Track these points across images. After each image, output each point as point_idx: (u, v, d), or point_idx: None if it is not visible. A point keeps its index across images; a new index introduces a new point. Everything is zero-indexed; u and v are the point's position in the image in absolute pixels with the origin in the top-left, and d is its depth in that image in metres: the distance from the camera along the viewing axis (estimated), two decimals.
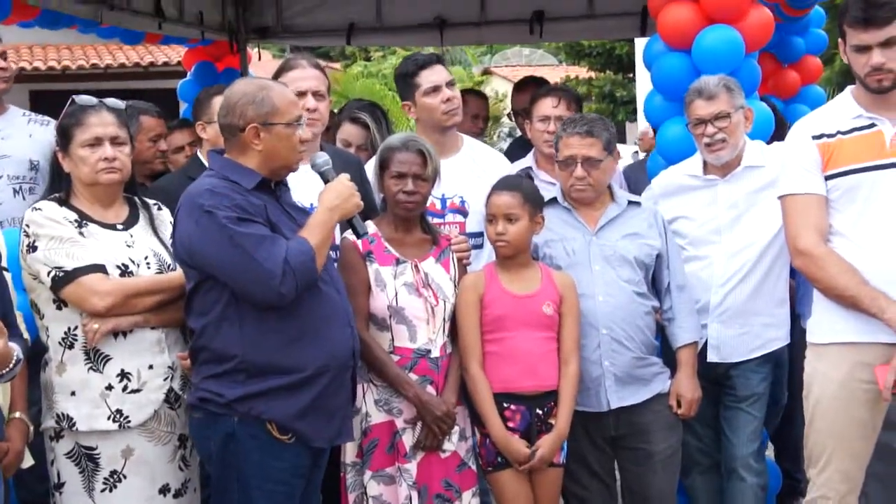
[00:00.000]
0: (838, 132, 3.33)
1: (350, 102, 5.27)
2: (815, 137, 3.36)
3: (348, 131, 4.59)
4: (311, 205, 3.63)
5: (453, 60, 25.67)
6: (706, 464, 4.11)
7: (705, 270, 3.96)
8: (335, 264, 3.30)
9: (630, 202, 3.83)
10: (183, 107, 7.76)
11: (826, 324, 3.33)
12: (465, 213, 3.94)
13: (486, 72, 29.26)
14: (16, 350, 2.65)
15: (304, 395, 2.98)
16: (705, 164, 4.01)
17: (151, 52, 14.29)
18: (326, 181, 3.15)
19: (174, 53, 13.46)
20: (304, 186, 3.60)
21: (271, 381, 2.96)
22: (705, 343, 3.94)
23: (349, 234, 3.55)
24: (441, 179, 3.85)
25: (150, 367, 3.12)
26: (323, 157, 3.18)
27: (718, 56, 4.21)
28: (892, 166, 3.22)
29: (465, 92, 6.06)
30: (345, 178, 3.12)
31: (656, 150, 4.54)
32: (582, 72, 23.30)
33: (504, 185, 3.60)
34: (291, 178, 3.57)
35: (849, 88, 3.43)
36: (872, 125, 3.30)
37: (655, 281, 3.82)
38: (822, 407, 3.31)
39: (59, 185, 3.22)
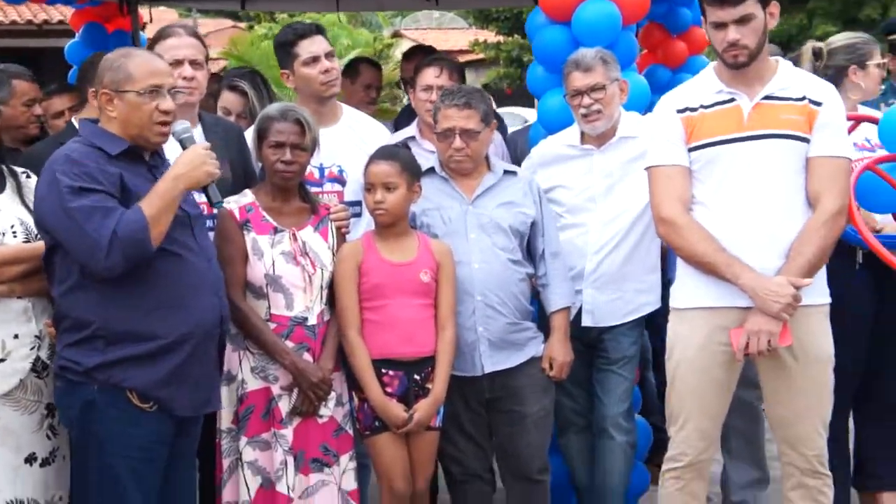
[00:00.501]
0: (701, 106, 3.46)
1: (230, 70, 5.26)
2: (679, 111, 3.49)
3: (227, 99, 4.58)
4: None
5: (364, 22, 25.45)
6: (580, 424, 4.26)
7: (581, 238, 4.09)
8: (209, 233, 3.31)
9: (506, 171, 3.92)
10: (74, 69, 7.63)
11: (687, 289, 3.48)
12: (343, 183, 3.98)
13: (396, 34, 29.14)
14: None
15: (166, 364, 3.01)
16: (582, 134, 4.13)
17: (46, 9, 13.88)
18: (184, 149, 3.14)
19: (70, 12, 13.08)
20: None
21: (130, 349, 2.98)
22: (580, 308, 4.08)
23: (226, 203, 3.57)
24: (320, 149, 3.89)
25: (16, 336, 3.10)
26: (182, 125, 3.15)
27: (597, 29, 4.30)
28: (748, 139, 3.37)
29: (358, 61, 6.12)
30: (199, 146, 3.11)
31: (537, 119, 4.64)
32: (490, 36, 23.34)
33: (382, 154, 3.65)
34: (171, 148, 3.59)
35: (711, 64, 3.57)
36: (732, 100, 3.44)
37: (530, 248, 3.93)
38: (682, 369, 3.46)
39: None
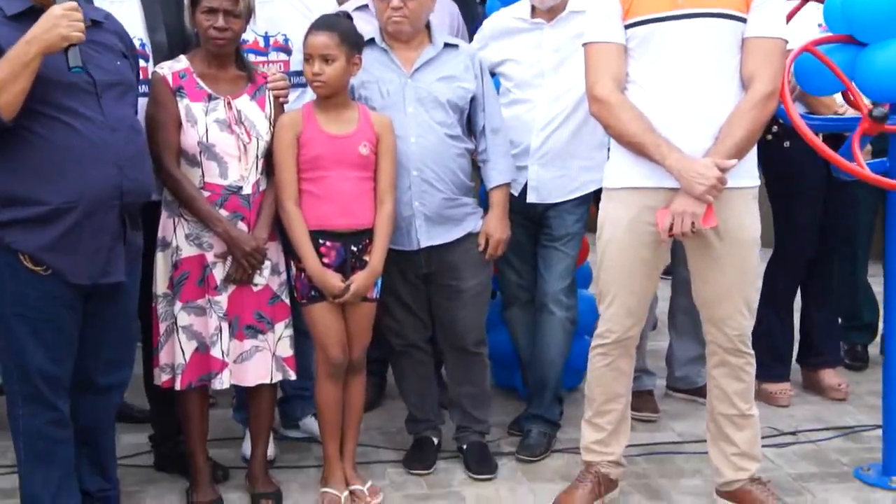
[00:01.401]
0: None
1: None
2: None
3: None
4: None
5: None
6: (524, 298, 4.33)
7: (528, 114, 4.08)
8: (126, 100, 3.22)
9: (447, 45, 3.88)
10: None
11: (618, 169, 3.49)
12: (288, 52, 3.92)
13: None
14: None
15: (51, 230, 3.00)
16: (533, 7, 4.07)
17: None
18: None
19: None
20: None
21: (16, 212, 2.98)
22: (525, 184, 4.09)
23: (159, 68, 3.55)
24: (265, 17, 3.85)
25: None
26: None
27: None
28: (683, 17, 3.32)
29: None
30: (60, 7, 2.92)
31: None
32: None
33: (321, 24, 3.60)
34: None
35: None
36: None
37: (471, 124, 3.92)
38: (611, 248, 3.49)
39: None
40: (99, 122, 3.06)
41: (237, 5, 3.46)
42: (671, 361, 4.93)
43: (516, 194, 4.09)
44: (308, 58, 3.57)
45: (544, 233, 4.19)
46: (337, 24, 3.59)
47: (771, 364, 4.73)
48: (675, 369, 4.91)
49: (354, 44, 3.61)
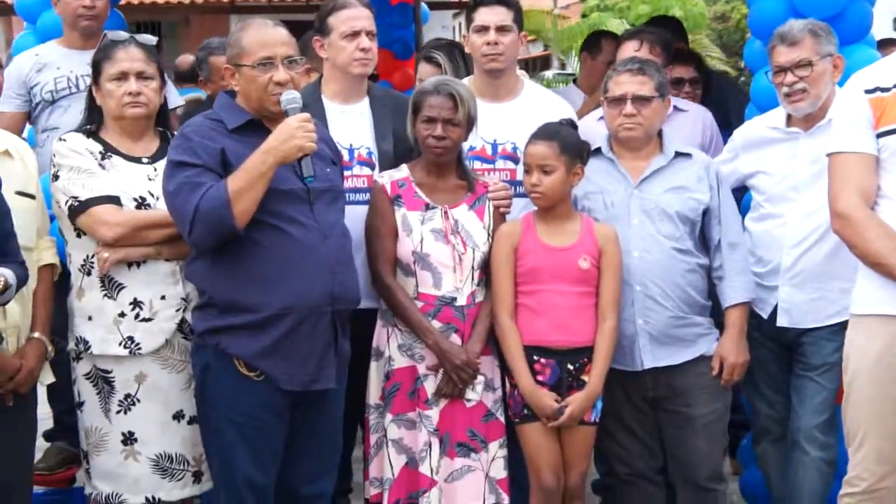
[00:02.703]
0: (894, 85, 3.01)
1: (429, 41, 5.23)
2: (867, 91, 3.06)
3: (423, 70, 4.58)
4: (351, 145, 3.67)
5: None
6: (777, 433, 3.88)
7: (779, 229, 3.72)
8: (336, 206, 3.25)
9: (679, 153, 3.62)
10: None
11: (866, 293, 3.06)
12: (516, 161, 3.81)
13: None
14: (6, 275, 2.81)
15: (266, 336, 3.04)
16: (789, 116, 3.74)
17: None
18: None
19: None
20: (344, 127, 3.64)
21: (234, 319, 3.04)
22: (776, 307, 3.71)
23: (379, 177, 3.55)
24: (495, 124, 3.78)
25: (163, 297, 3.24)
26: (289, 95, 3.06)
27: None
28: None
29: (599, 35, 5.79)
30: (295, 119, 3.02)
31: (751, 98, 4.26)
32: None
33: (541, 134, 3.48)
34: (335, 120, 3.62)
35: None
36: None
37: (706, 238, 3.62)
38: (858, 382, 3.05)
39: (92, 118, 3.37)
40: (312, 229, 3.10)
41: (455, 114, 3.42)
42: None
43: (765, 316, 3.71)
44: (527, 168, 3.46)
45: (798, 361, 3.74)
46: (557, 133, 3.46)
47: None
48: None
49: (576, 153, 3.46)
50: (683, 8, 19.12)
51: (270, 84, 3.06)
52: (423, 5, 7.76)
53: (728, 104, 4.87)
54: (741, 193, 3.97)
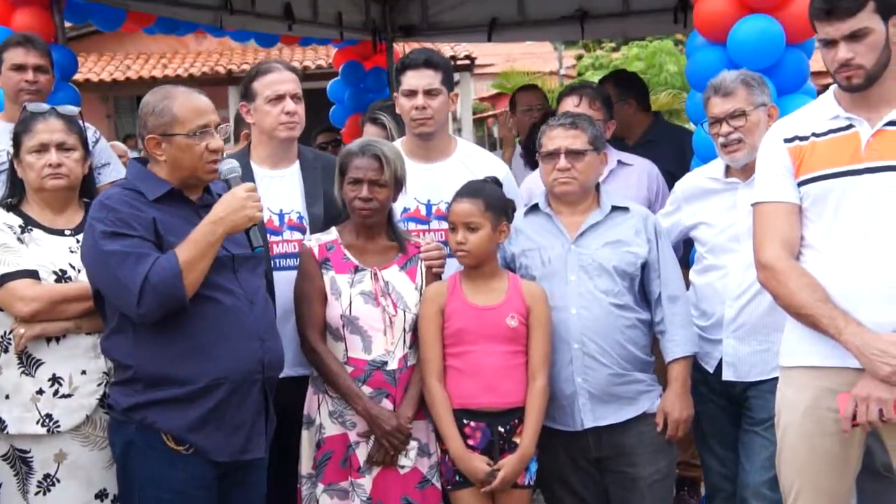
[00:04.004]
0: (812, 134, 2.98)
1: (374, 102, 5.24)
2: (786, 140, 3.02)
3: (368, 131, 4.55)
4: (281, 210, 3.63)
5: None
6: (730, 490, 3.76)
7: (720, 281, 3.64)
8: (257, 272, 3.19)
9: (616, 207, 3.56)
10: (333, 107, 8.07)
11: (793, 345, 2.99)
12: None
13: None
14: None
15: (197, 408, 2.94)
16: (727, 167, 3.68)
17: (306, 56, 14.85)
18: (229, 190, 3.04)
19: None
20: (274, 192, 3.60)
21: (163, 392, 2.93)
22: (720, 360, 3.62)
23: (307, 241, 3.51)
24: (428, 184, 3.75)
25: (84, 372, 3.16)
26: (229, 165, 3.02)
27: (754, 49, 3.90)
28: (865, 172, 2.83)
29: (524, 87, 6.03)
30: (241, 188, 2.98)
31: (693, 150, 4.22)
32: None
33: (466, 191, 3.44)
34: (265, 185, 3.59)
35: (832, 87, 3.04)
36: (849, 126, 2.92)
37: (646, 292, 3.54)
38: (789, 436, 2.97)
39: (14, 191, 3.33)
40: (237, 296, 3.03)
41: (381, 174, 3.38)
42: None
43: (711, 370, 3.62)
44: (452, 226, 3.41)
45: (745, 415, 3.64)
46: (481, 191, 3.41)
47: None
48: None
49: (501, 210, 3.40)
50: (678, 64, 19.12)
51: (206, 152, 3.01)
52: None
53: (688, 157, 4.83)
54: (689, 247, 3.91)
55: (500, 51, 22.47)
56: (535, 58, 25.16)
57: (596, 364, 3.42)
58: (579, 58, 27.06)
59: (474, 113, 19.75)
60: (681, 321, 3.51)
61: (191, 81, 16.87)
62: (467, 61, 16.93)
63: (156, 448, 2.96)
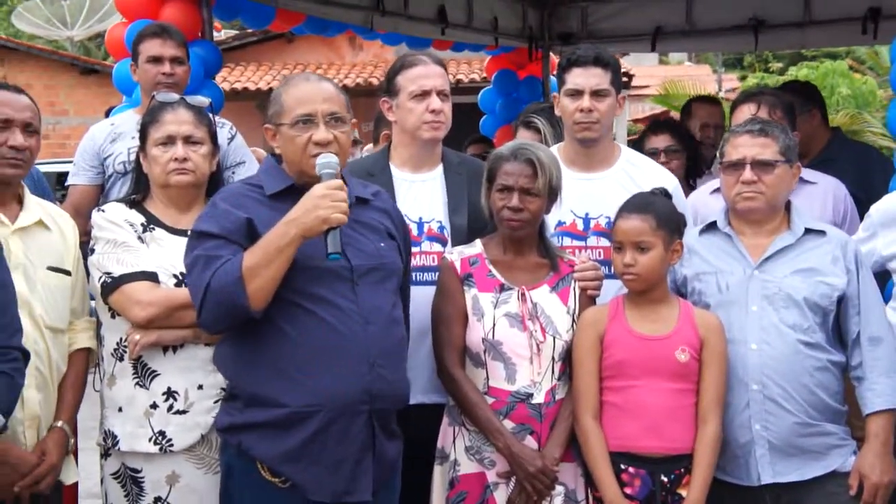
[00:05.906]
0: None
1: (529, 105, 4.84)
2: None
3: (521, 136, 4.17)
4: (420, 219, 3.29)
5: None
6: None
7: None
8: (386, 286, 2.80)
9: (810, 230, 3.06)
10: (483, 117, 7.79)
11: None
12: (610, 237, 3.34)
13: None
14: None
15: (291, 437, 2.60)
16: None
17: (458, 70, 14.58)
18: None
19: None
20: (413, 198, 3.27)
21: (256, 415, 2.63)
22: None
23: (448, 254, 3.14)
24: (586, 196, 3.34)
25: (200, 386, 2.87)
26: (325, 158, 2.65)
27: None
28: None
29: (692, 99, 5.49)
30: (323, 185, 2.60)
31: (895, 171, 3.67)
32: None
33: (633, 206, 3.00)
34: (404, 190, 3.26)
35: None
36: None
37: (842, 330, 3.02)
38: None
39: (138, 187, 3.09)
40: (351, 313, 2.66)
41: (534, 182, 2.98)
42: None
43: None
44: (618, 245, 2.98)
45: None
46: (651, 205, 2.98)
47: None
48: None
49: (675, 228, 2.97)
50: (851, 86, 18.00)
51: (310, 145, 2.68)
52: (552, 78, 7.48)
53: (872, 178, 4.25)
54: (882, 280, 3.35)
55: (656, 73, 21.74)
56: (692, 81, 24.50)
57: (778, 410, 2.93)
58: (743, 78, 26.05)
59: (629, 134, 19.19)
60: (883, 367, 2.98)
61: (346, 92, 16.87)
62: (625, 78, 16.36)
63: (252, 477, 2.66)
